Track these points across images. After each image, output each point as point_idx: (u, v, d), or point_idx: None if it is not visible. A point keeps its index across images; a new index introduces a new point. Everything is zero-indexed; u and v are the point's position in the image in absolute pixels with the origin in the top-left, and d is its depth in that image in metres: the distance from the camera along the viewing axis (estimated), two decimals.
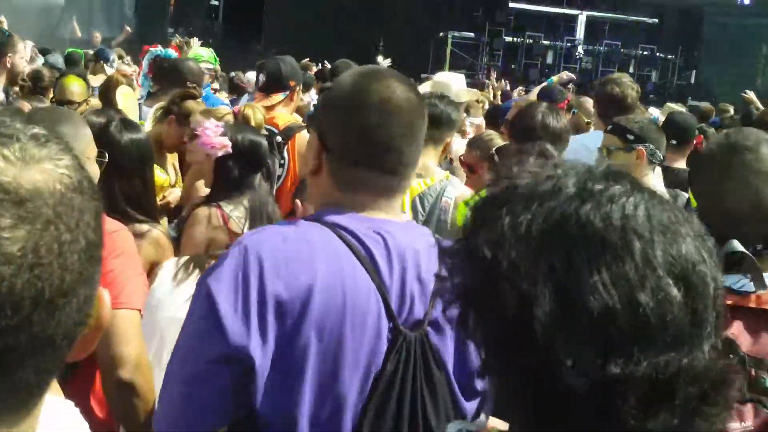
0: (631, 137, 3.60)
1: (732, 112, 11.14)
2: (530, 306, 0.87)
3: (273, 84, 4.77)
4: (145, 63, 7.15)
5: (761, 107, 5.01)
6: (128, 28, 14.98)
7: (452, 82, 6.02)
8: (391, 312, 1.63)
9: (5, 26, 8.23)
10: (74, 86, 5.42)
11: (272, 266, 1.56)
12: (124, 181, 2.92)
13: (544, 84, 7.47)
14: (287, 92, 4.81)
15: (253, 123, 3.49)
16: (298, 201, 2.59)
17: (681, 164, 4.84)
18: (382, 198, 1.73)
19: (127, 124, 3.16)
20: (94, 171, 2.51)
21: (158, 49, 6.35)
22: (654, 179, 3.62)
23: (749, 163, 1.97)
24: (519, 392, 0.94)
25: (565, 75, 7.94)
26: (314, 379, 1.58)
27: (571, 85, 10.26)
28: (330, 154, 1.73)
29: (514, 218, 0.93)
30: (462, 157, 4.31)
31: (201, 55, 6.79)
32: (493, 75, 17.06)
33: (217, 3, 22.31)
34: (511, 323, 0.90)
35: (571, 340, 0.86)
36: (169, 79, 5.57)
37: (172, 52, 6.57)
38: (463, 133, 5.81)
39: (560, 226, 0.90)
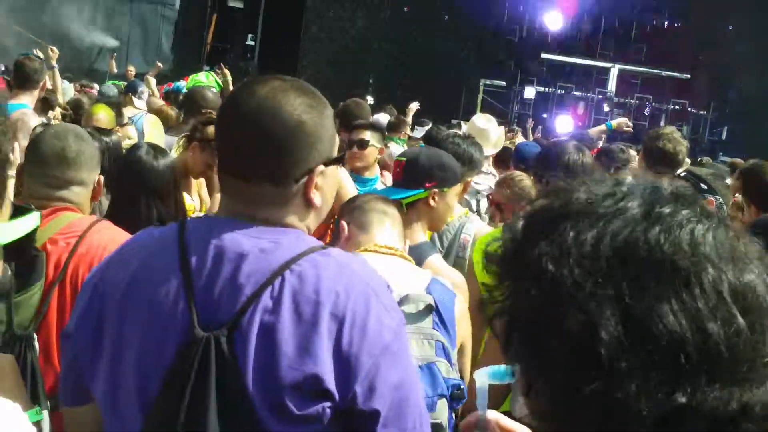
0: (705, 187, 3.62)
1: None
2: (595, 328, 0.85)
3: None
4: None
5: None
6: (160, 64, 15.29)
7: (491, 130, 6.04)
8: (191, 310, 1.59)
9: (56, 58, 8.51)
10: (101, 114, 5.64)
11: (105, 263, 1.78)
12: (159, 203, 3.14)
13: (601, 127, 7.47)
14: None
15: None
16: (342, 222, 2.67)
17: None
18: (239, 203, 1.69)
19: (157, 150, 3.30)
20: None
21: (171, 87, 6.54)
22: None
23: None
24: (576, 414, 0.89)
25: (625, 126, 7.75)
26: (107, 363, 1.65)
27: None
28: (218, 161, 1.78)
29: (578, 234, 0.89)
30: (491, 196, 4.35)
31: (200, 80, 6.85)
32: (530, 124, 17.17)
33: (253, 43, 22.65)
34: (573, 344, 0.86)
35: (637, 366, 0.84)
36: (187, 109, 5.70)
37: (179, 84, 6.74)
38: None
39: (628, 249, 0.87)
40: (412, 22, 25.43)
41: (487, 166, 5.35)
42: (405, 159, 3.17)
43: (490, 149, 5.27)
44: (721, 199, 3.64)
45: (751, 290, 0.87)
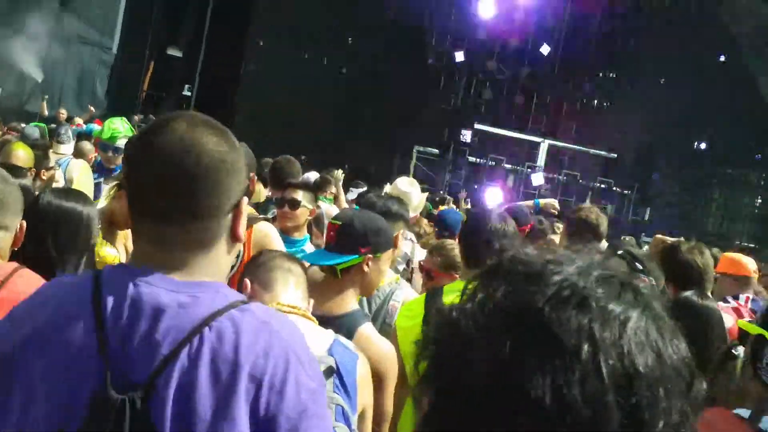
0: (640, 267, 3.66)
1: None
2: (472, 373, 0.88)
3: None
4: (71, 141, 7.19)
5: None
6: (92, 108, 15.07)
7: (413, 194, 6.07)
8: (104, 369, 1.52)
9: None
10: (20, 151, 5.53)
11: (10, 314, 1.67)
12: (74, 251, 3.05)
13: (529, 203, 7.54)
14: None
15: None
16: (246, 279, 2.61)
17: None
18: (157, 249, 1.62)
19: (73, 194, 3.28)
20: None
21: (82, 127, 6.41)
22: None
23: None
24: None
25: (552, 207, 7.82)
26: (13, 421, 1.55)
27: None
28: (130, 206, 1.70)
29: (488, 290, 0.93)
30: (421, 263, 4.35)
31: (118, 130, 6.70)
32: (463, 194, 17.36)
33: (189, 93, 22.58)
34: (454, 382, 0.90)
35: (501, 417, 0.86)
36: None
37: (95, 127, 6.62)
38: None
39: (522, 313, 0.90)
40: (348, 86, 25.73)
41: (405, 231, 5.37)
42: (340, 222, 3.13)
43: (411, 213, 5.30)
44: (653, 280, 3.70)
45: (638, 370, 0.88)
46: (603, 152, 26.72)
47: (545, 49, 26.76)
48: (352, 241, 3.08)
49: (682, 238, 9.64)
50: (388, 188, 6.10)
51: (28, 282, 2.54)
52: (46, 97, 18.37)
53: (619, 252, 3.78)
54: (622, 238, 14.94)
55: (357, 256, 3.07)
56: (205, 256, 1.64)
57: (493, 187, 24.84)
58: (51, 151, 7.08)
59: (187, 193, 1.60)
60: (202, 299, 1.57)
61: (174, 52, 21.45)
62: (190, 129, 1.61)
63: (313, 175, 9.11)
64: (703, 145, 28.32)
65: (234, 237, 1.68)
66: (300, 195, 4.83)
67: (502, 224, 3.65)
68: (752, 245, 27.05)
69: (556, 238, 6.11)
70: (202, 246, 1.63)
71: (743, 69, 26.44)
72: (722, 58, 28.14)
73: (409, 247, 5.16)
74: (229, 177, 1.63)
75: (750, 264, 5.16)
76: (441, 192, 22.39)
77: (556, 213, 7.72)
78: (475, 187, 24.70)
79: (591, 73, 28.13)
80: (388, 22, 25.90)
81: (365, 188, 8.89)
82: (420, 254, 5.11)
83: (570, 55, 27.46)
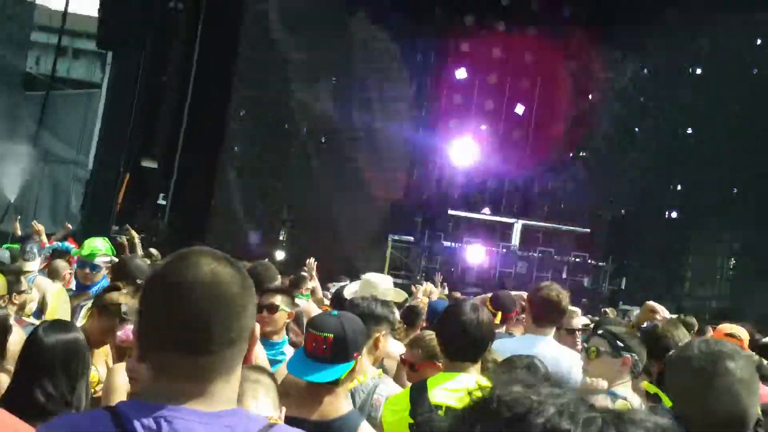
0: (621, 345, 3.77)
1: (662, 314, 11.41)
2: None
3: None
4: (42, 257, 7.12)
5: (666, 316, 5.25)
6: (69, 225, 15.14)
7: (379, 281, 6.24)
8: None
9: None
10: None
11: None
12: (47, 380, 3.03)
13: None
14: None
15: None
16: None
17: None
18: (189, 382, 1.63)
19: (54, 326, 3.30)
20: None
21: (56, 244, 6.39)
22: (629, 389, 3.82)
23: (733, 371, 2.06)
24: None
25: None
26: None
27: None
28: (142, 339, 1.72)
29: None
30: (403, 356, 4.44)
31: (97, 247, 6.73)
32: (439, 278, 17.39)
33: (164, 203, 22.68)
34: None
35: None
36: (116, 276, 5.63)
37: (70, 246, 6.63)
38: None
39: None
40: (322, 178, 26.05)
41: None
42: (331, 335, 3.20)
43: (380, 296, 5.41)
44: (636, 357, 3.78)
45: None
46: (576, 228, 27.11)
47: (520, 109, 27.60)
48: (347, 351, 3.19)
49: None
50: (356, 286, 6.27)
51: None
52: (19, 216, 18.40)
53: (600, 332, 3.89)
54: (602, 310, 15.17)
55: (353, 362, 3.20)
56: (226, 384, 1.67)
57: (474, 245, 25.15)
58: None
59: (218, 325, 1.64)
60: (236, 428, 1.62)
61: (149, 163, 21.64)
62: (213, 261, 1.68)
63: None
64: (674, 214, 28.85)
65: (246, 361, 1.76)
66: (278, 299, 4.99)
67: (475, 314, 3.79)
68: (728, 305, 27.32)
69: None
70: (226, 374, 1.67)
71: (709, 142, 27.17)
72: (689, 130, 28.90)
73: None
74: (248, 306, 1.71)
75: (743, 334, 5.24)
76: (418, 277, 22.55)
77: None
78: (452, 270, 24.89)
79: (560, 157, 28.90)
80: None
81: (347, 282, 8.97)
82: (394, 347, 5.21)
83: (540, 137, 28.23)
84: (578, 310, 6.90)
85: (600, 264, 26.37)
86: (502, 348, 4.29)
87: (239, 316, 1.68)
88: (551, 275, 25.44)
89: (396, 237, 25.51)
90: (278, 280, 6.84)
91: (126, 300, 4.16)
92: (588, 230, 26.82)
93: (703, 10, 23.89)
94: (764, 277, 26.74)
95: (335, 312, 3.71)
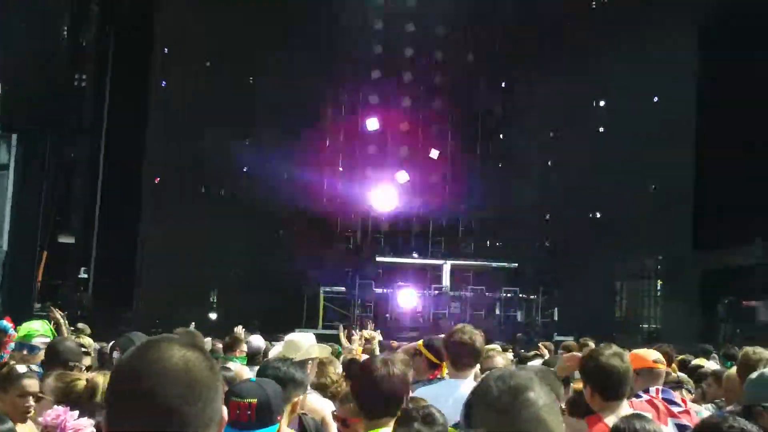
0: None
1: (592, 344, 11.58)
2: None
3: None
4: None
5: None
6: None
7: (302, 340, 6.22)
8: None
9: None
10: None
11: None
12: None
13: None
14: None
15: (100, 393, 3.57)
16: None
17: None
18: None
19: None
20: None
21: None
22: None
23: (535, 400, 2.09)
24: None
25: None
26: None
27: None
28: (113, 429, 1.71)
29: None
30: (335, 413, 4.42)
31: (35, 329, 6.64)
32: (370, 325, 17.35)
33: (86, 276, 22.34)
34: None
35: None
36: (48, 360, 5.51)
37: (6, 324, 6.50)
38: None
39: None
40: (249, 237, 25.95)
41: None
42: (255, 401, 3.19)
43: (300, 356, 5.38)
44: (553, 395, 3.78)
45: None
46: (504, 264, 27.45)
47: (434, 153, 28.10)
48: (271, 414, 3.20)
49: (591, 344, 10.01)
50: (279, 347, 6.23)
51: None
52: None
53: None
54: (538, 344, 15.29)
55: (277, 425, 3.20)
56: None
57: (405, 289, 25.23)
58: None
59: (193, 410, 1.66)
60: None
61: (66, 239, 21.32)
62: (180, 347, 1.70)
63: (256, 339, 9.17)
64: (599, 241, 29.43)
65: None
66: None
67: (386, 369, 3.81)
68: (659, 326, 27.96)
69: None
70: None
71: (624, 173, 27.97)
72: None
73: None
74: (219, 389, 1.73)
75: (650, 355, 5.21)
76: (353, 326, 22.49)
77: None
78: (386, 316, 24.92)
79: (478, 192, 29.45)
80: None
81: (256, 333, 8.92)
82: (329, 404, 5.19)
83: (458, 177, 28.82)
84: (497, 347, 6.99)
85: (531, 297, 26.71)
86: (425, 394, 4.31)
87: (212, 400, 1.70)
88: (485, 313, 25.71)
89: (327, 289, 25.48)
90: (204, 347, 6.75)
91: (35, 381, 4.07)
92: (516, 265, 27.17)
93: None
94: (690, 298, 27.49)
95: (253, 378, 3.69)
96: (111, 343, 5.51)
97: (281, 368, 4.05)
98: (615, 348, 4.14)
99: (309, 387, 5.44)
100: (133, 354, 1.74)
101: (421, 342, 5.78)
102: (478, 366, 5.09)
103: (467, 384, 4.75)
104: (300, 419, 4.23)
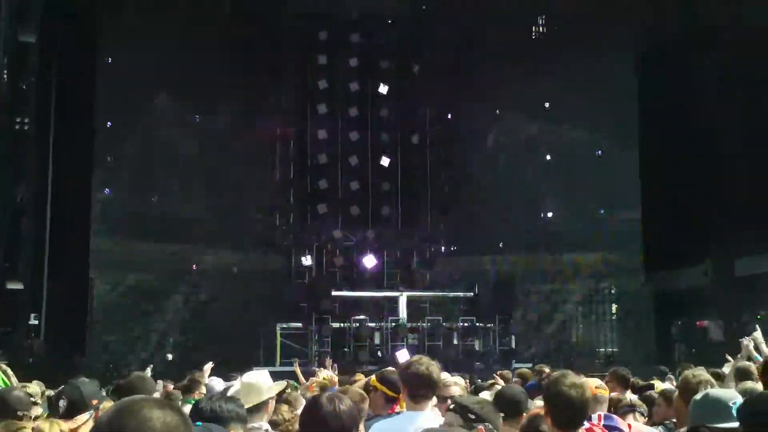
0: (473, 416, 3.76)
1: (548, 370, 11.64)
2: None
3: (74, 408, 4.82)
4: None
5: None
6: None
7: (260, 381, 6.15)
8: None
9: None
10: None
11: None
12: None
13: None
14: (92, 411, 4.85)
15: None
16: None
17: None
18: None
19: None
20: None
21: None
22: None
23: None
24: None
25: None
26: None
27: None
28: None
29: None
30: None
31: None
32: (328, 361, 17.24)
33: (36, 322, 21.93)
34: None
35: None
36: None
37: None
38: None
39: None
40: (203, 277, 25.77)
41: (260, 422, 5.35)
42: None
43: (264, 396, 5.31)
44: (489, 426, 3.79)
45: None
46: (460, 293, 27.53)
47: (386, 162, 28.36)
48: None
49: (547, 370, 10.04)
50: (238, 384, 6.16)
51: None
52: None
53: (451, 407, 3.91)
54: (496, 372, 15.33)
55: None
56: None
57: (362, 323, 25.16)
58: None
59: None
60: None
61: (14, 285, 20.94)
62: (165, 412, 1.78)
63: (216, 382, 9.05)
64: (550, 267, 29.74)
65: None
66: None
67: (332, 405, 3.79)
68: (616, 349, 28.24)
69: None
70: None
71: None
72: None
73: None
74: None
75: (592, 381, 5.28)
76: (308, 363, 22.39)
77: None
78: (345, 350, 24.79)
79: (430, 222, 29.75)
80: None
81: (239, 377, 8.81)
82: None
83: (409, 209, 29.09)
84: (457, 379, 6.98)
85: (488, 326, 26.76)
86: (383, 428, 4.30)
87: None
88: (442, 343, 25.69)
89: (284, 325, 25.32)
90: (156, 392, 6.70)
91: None
92: (471, 294, 27.27)
93: None
94: (644, 320, 27.85)
95: (199, 423, 3.66)
96: (56, 391, 5.43)
97: (218, 404, 4.02)
98: (573, 378, 4.16)
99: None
100: (112, 418, 1.78)
101: (374, 377, 5.76)
102: (434, 398, 5.09)
103: (426, 416, 4.75)
104: None
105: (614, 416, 4.93)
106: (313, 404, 3.89)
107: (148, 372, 9.39)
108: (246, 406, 4.78)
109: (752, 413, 3.19)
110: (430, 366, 4.93)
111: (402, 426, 4.42)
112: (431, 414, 4.82)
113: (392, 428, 4.43)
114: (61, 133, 21.56)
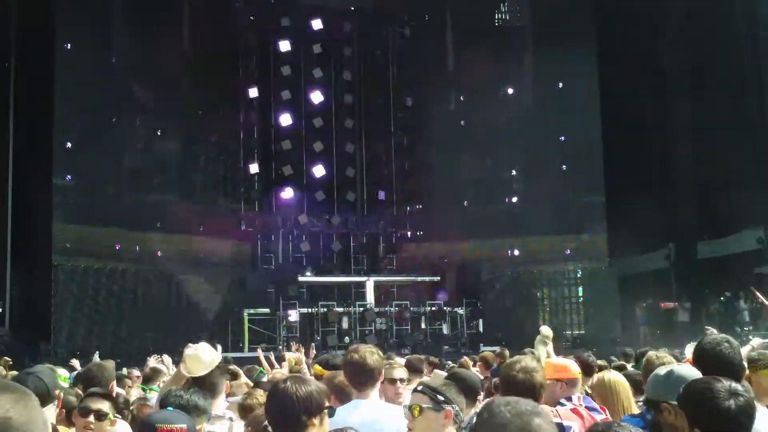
0: (441, 398, 3.73)
1: (507, 353, 11.69)
2: None
3: (41, 400, 4.71)
4: None
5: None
6: None
7: (201, 352, 6.02)
8: None
9: None
10: None
11: None
12: None
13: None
14: (55, 402, 4.76)
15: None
16: None
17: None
18: None
19: None
20: None
21: None
22: None
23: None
24: None
25: None
26: None
27: None
28: None
29: None
30: None
31: None
32: (294, 346, 17.20)
33: (1, 311, 21.67)
34: None
35: None
36: None
37: None
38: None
39: None
40: (168, 263, 25.57)
41: (225, 410, 5.27)
42: (185, 427, 3.23)
43: (206, 365, 5.25)
44: (457, 407, 3.76)
45: None
46: (427, 277, 27.60)
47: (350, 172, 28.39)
48: None
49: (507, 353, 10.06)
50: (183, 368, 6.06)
51: None
52: None
53: (419, 388, 3.88)
54: (463, 357, 15.41)
55: None
56: None
57: (330, 309, 25.17)
58: None
59: None
60: None
61: None
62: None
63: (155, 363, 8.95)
64: (516, 252, 29.91)
65: None
66: (106, 406, 4.75)
67: (292, 389, 3.76)
68: (582, 332, 28.50)
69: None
70: None
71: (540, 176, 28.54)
72: (513, 171, 30.35)
73: (226, 426, 5.12)
74: None
75: (574, 367, 5.37)
76: (280, 348, 22.36)
77: None
78: (317, 337, 24.77)
79: (395, 208, 29.79)
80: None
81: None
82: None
83: (373, 194, 29.12)
84: (400, 360, 7.01)
85: (455, 309, 26.88)
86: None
87: None
88: (410, 327, 25.78)
89: (251, 311, 25.21)
90: (114, 381, 6.60)
91: None
92: (438, 278, 27.35)
93: None
94: (609, 300, 28.11)
95: (170, 408, 3.62)
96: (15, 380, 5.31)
97: (183, 396, 3.98)
98: (525, 361, 4.19)
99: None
100: None
101: (317, 365, 5.71)
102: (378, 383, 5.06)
103: (367, 404, 4.68)
104: None
105: (590, 398, 5.02)
106: (274, 388, 3.87)
107: (96, 358, 9.26)
108: (191, 375, 4.77)
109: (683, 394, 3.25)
110: (365, 353, 4.89)
111: (345, 413, 4.40)
112: (373, 402, 4.79)
113: (336, 420, 4.41)
114: (21, 120, 21.29)
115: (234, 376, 7.50)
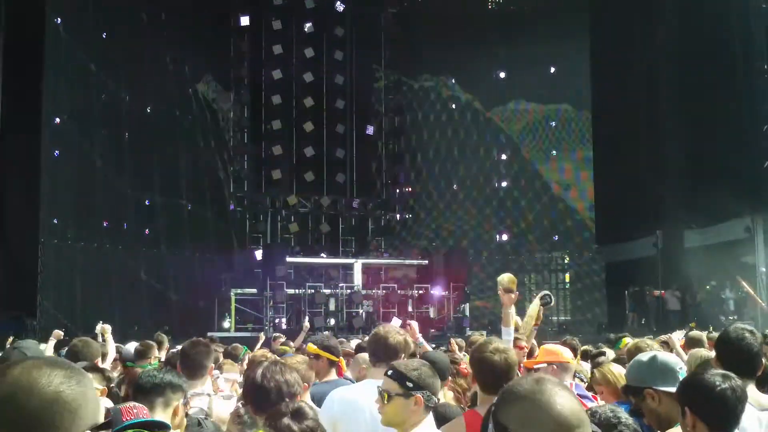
0: (410, 384, 3.70)
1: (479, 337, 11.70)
2: None
3: None
4: None
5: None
6: None
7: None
8: None
9: None
10: None
11: None
12: None
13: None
14: None
15: None
16: None
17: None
18: None
19: None
20: None
21: None
22: (427, 424, 3.73)
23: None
24: None
25: None
26: None
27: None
28: None
29: None
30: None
31: None
32: (306, 321, 17.25)
33: None
34: None
35: None
36: None
37: None
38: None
39: None
40: (154, 244, 25.53)
41: (202, 388, 5.29)
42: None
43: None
44: (427, 392, 3.73)
45: None
46: (414, 261, 27.63)
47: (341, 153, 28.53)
48: None
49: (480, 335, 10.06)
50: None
51: None
52: None
53: (389, 373, 3.85)
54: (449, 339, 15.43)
55: None
56: None
57: (318, 290, 25.20)
58: None
59: None
60: None
61: None
62: (26, 370, 1.64)
63: (131, 345, 8.95)
64: (504, 236, 30.00)
65: None
66: (95, 377, 4.78)
67: (270, 374, 3.80)
68: (569, 318, 28.63)
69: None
70: None
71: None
72: (503, 156, 30.37)
73: (206, 401, 5.12)
74: (64, 411, 1.63)
75: (566, 352, 5.40)
76: (266, 328, 22.39)
77: None
78: (306, 321, 24.75)
79: (385, 190, 29.78)
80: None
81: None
82: (222, 406, 5.08)
83: (363, 175, 29.09)
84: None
85: (443, 293, 26.89)
86: (341, 394, 4.40)
87: (55, 418, 1.62)
88: (397, 310, 25.80)
89: (239, 291, 25.19)
90: (99, 357, 6.63)
91: None
92: (426, 262, 27.39)
93: None
94: (596, 289, 28.23)
95: (145, 386, 3.63)
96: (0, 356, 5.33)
97: (157, 375, 3.99)
98: (495, 343, 4.20)
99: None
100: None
101: (312, 345, 5.75)
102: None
103: (360, 386, 4.69)
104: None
105: (581, 385, 5.08)
106: (252, 373, 3.91)
107: (99, 328, 9.27)
108: None
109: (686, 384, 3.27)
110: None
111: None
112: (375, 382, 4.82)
113: (353, 396, 4.44)
114: (9, 93, 21.14)
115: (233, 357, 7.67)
